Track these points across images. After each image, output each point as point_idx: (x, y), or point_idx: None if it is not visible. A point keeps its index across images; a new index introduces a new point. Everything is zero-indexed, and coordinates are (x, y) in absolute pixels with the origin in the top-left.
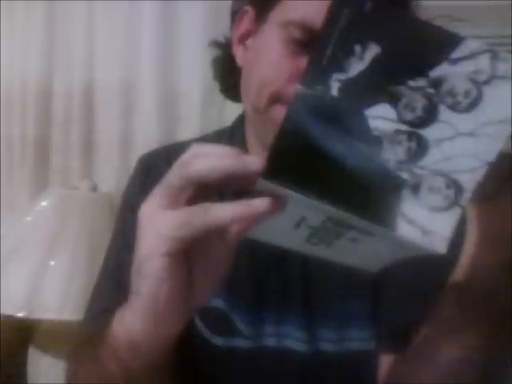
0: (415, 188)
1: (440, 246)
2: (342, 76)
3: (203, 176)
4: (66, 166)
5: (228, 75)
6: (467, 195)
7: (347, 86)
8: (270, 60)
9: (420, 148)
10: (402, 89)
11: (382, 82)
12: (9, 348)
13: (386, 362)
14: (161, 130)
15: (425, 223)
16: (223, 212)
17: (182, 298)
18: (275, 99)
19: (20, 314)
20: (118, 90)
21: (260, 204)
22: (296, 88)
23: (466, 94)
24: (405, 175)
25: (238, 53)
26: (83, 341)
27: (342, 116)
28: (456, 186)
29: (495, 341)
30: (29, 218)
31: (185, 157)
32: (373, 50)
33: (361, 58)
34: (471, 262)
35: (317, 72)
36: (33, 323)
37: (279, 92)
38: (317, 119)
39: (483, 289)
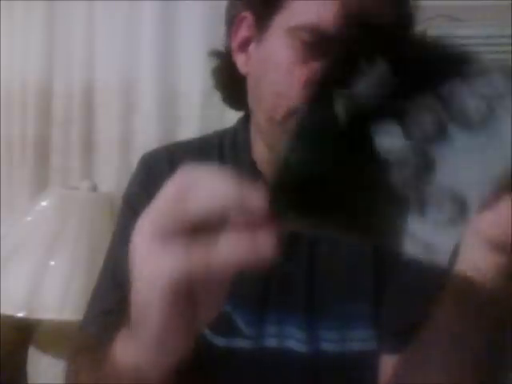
0: (420, 204)
1: (441, 259)
2: (348, 94)
3: (199, 217)
4: (66, 166)
5: (229, 84)
6: (472, 210)
7: (353, 105)
8: (281, 68)
9: (427, 165)
10: (410, 106)
11: (390, 100)
12: (9, 348)
13: (387, 362)
14: (161, 130)
15: (427, 238)
16: (227, 255)
17: (186, 326)
18: (293, 111)
19: (20, 314)
20: (118, 90)
21: (267, 247)
22: (299, 110)
23: (477, 111)
24: (411, 192)
25: (240, 60)
26: (84, 344)
27: (347, 136)
28: (461, 202)
29: (496, 344)
30: (29, 218)
31: (175, 190)
32: (381, 68)
33: (368, 75)
34: (474, 266)
35: (321, 91)
36: (33, 323)
37: (296, 104)
38: (321, 141)
39: (486, 293)
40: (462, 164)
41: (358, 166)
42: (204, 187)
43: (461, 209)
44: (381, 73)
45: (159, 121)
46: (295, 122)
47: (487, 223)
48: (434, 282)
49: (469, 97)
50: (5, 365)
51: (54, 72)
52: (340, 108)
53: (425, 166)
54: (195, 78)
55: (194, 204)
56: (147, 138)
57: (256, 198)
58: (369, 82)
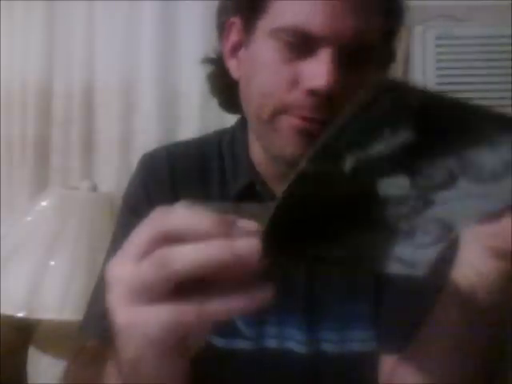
0: (410, 232)
1: (420, 272)
2: (360, 155)
3: (186, 274)
4: (66, 166)
5: (224, 89)
6: (457, 233)
7: (362, 164)
8: (267, 69)
9: (425, 206)
10: (424, 163)
11: (406, 161)
12: (9, 348)
13: (386, 362)
14: (161, 130)
15: (410, 257)
16: (221, 308)
17: (180, 361)
18: (279, 110)
19: (20, 314)
20: (118, 89)
21: (263, 295)
22: (300, 165)
23: (493, 172)
24: (403, 224)
25: (232, 65)
26: (84, 345)
27: (350, 184)
28: (449, 228)
29: (496, 344)
30: (29, 218)
31: (150, 239)
32: (404, 135)
33: (388, 141)
34: (476, 271)
35: (329, 149)
36: (33, 323)
37: (282, 103)
38: (322, 189)
39: (487, 295)
40: (461, 204)
41: (355, 205)
42: (188, 239)
43: (447, 233)
44: (404, 140)
45: (159, 121)
46: (296, 169)
47: (490, 233)
48: (433, 282)
49: (487, 158)
50: (5, 365)
51: (54, 72)
52: (348, 165)
53: (422, 206)
54: (195, 78)
55: (179, 264)
56: (147, 138)
57: (250, 256)
58: (384, 143)
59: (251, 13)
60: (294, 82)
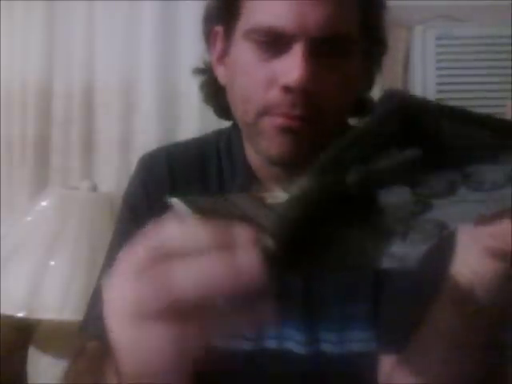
0: (405, 233)
1: (411, 264)
2: (364, 169)
3: (187, 291)
4: (66, 166)
5: (217, 97)
6: (450, 229)
7: (365, 177)
8: (245, 72)
9: (423, 210)
10: (426, 175)
11: (408, 173)
12: (9, 348)
13: (386, 362)
14: (161, 130)
15: (401, 252)
16: (225, 327)
17: (180, 376)
18: (261, 112)
19: (20, 314)
20: (118, 89)
21: (267, 315)
22: (302, 179)
23: (493, 184)
24: (400, 225)
25: (219, 73)
26: (84, 346)
27: (352, 197)
28: (442, 226)
29: (495, 343)
30: (29, 218)
31: (159, 267)
32: (411, 153)
33: (394, 156)
34: (472, 269)
35: (334, 163)
36: (33, 323)
37: (263, 104)
38: (324, 203)
39: (484, 294)
40: (458, 207)
41: (353, 211)
42: (185, 253)
43: (440, 230)
44: (410, 155)
45: (159, 121)
46: (299, 182)
47: (488, 233)
48: (430, 282)
49: (490, 170)
50: (5, 365)
51: (54, 72)
52: (351, 178)
53: (420, 211)
54: (195, 78)
55: (180, 288)
56: (147, 138)
57: (249, 259)
58: (390, 160)
59: (230, 17)
60: (271, 82)
